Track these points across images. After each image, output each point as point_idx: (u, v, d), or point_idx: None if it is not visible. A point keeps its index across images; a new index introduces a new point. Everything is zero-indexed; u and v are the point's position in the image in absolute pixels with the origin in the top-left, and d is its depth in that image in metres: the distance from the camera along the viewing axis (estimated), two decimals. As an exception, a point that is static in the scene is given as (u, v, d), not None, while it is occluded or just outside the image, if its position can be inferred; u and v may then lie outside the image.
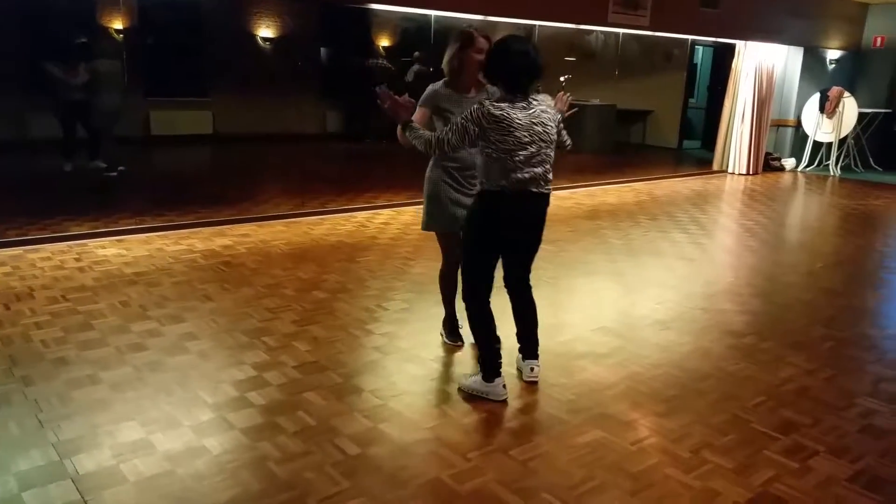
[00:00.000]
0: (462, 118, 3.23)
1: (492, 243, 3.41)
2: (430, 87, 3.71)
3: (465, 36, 3.59)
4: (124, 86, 9.13)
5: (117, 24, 11.82)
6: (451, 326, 4.15)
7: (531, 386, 3.61)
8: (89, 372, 3.58)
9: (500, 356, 3.49)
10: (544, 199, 3.39)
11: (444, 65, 3.68)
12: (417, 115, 3.56)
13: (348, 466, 2.85)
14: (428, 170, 3.84)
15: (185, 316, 4.40)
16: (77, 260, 5.50)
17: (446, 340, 4.13)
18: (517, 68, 3.23)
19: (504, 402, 3.43)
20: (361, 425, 3.17)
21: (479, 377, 3.47)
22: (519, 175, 3.23)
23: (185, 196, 8.05)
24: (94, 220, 6.55)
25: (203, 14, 12.63)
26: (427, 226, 3.90)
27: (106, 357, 3.77)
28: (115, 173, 9.06)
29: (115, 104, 9.01)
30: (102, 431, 3.03)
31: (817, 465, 2.99)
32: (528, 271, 3.63)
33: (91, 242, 5.98)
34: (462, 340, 4.10)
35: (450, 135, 3.24)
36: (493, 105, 3.19)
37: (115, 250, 5.79)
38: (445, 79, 3.71)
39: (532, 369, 3.66)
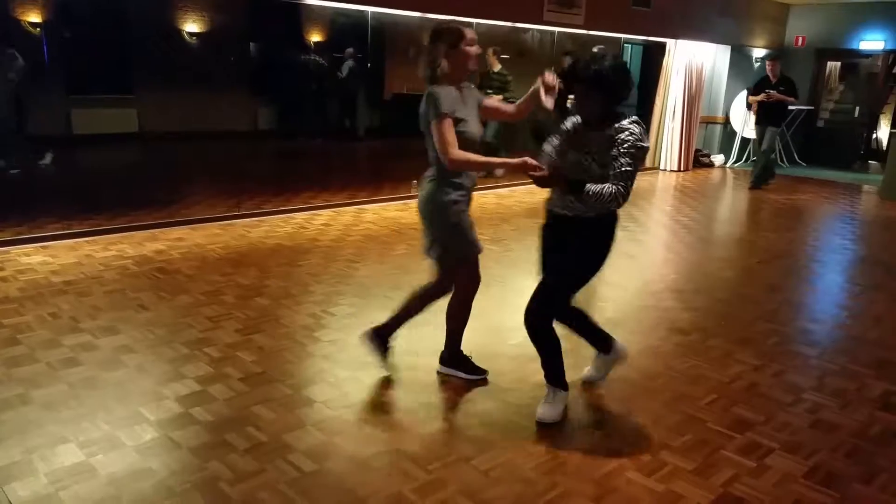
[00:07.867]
0: (628, 161, 3.08)
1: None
2: (445, 92, 3.20)
3: (454, 32, 3.23)
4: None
5: (34, 18, 11.24)
6: (469, 363, 3.70)
7: (484, 387, 3.56)
8: (19, 391, 3.34)
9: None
10: None
11: (427, 68, 3.24)
12: (451, 130, 3.18)
13: (304, 484, 2.72)
14: (431, 192, 3.31)
15: (119, 327, 4.17)
16: (-1, 269, 5.18)
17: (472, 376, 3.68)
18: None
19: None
20: (315, 439, 3.04)
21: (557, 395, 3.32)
22: None
23: (113, 199, 7.69)
24: (16, 226, 6.17)
25: (127, 7, 12.13)
26: (465, 256, 3.42)
27: (36, 374, 3.53)
28: None
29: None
30: (37, 456, 2.82)
31: (774, 463, 3.02)
32: None
33: (14, 249, 5.62)
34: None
35: (629, 183, 3.12)
36: (645, 136, 3.14)
37: (41, 258, 5.47)
38: (436, 83, 3.24)
39: None
